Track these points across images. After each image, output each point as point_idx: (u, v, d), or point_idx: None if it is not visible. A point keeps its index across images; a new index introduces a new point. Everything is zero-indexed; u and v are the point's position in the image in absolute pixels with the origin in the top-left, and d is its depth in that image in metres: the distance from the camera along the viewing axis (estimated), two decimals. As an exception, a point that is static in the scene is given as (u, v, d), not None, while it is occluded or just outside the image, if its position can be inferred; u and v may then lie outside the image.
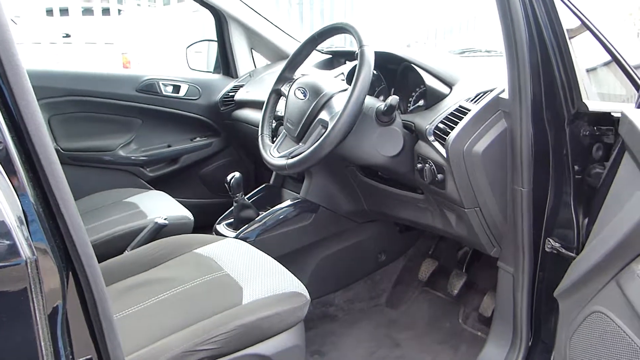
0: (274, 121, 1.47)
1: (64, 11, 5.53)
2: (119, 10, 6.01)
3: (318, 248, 1.73)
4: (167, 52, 5.93)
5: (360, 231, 1.80)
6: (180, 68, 2.49)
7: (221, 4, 2.16)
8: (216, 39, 2.36)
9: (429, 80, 1.32)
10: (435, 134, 1.24)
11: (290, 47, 2.31)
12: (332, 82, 1.30)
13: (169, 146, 2.25)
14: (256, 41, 2.33)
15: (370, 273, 1.87)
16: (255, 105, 2.10)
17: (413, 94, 1.44)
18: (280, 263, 1.30)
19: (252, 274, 1.25)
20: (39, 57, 5.48)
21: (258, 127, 2.02)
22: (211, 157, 2.34)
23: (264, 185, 1.85)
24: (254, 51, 2.40)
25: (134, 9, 6.17)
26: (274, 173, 1.89)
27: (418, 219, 1.49)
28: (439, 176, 1.21)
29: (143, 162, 2.20)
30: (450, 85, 1.33)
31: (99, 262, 1.54)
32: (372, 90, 1.55)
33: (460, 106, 1.23)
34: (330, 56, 2.05)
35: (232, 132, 2.30)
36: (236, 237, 1.60)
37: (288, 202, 1.68)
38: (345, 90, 1.27)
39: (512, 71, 1.10)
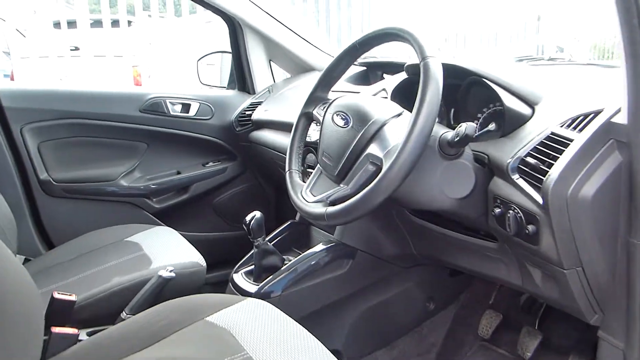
0: (310, 154, 1.19)
1: (71, 24, 5.33)
2: (129, 22, 5.80)
3: (356, 300, 1.43)
4: (180, 65, 5.71)
5: (405, 277, 1.50)
6: (193, 82, 2.23)
7: (236, 11, 1.89)
8: (230, 51, 2.09)
9: (507, 99, 1.01)
10: (521, 170, 0.94)
11: (314, 58, 2.04)
12: (381, 104, 1.00)
13: (178, 173, 1.98)
14: (275, 52, 2.05)
15: (417, 325, 1.57)
16: (275, 126, 1.82)
17: (479, 115, 1.14)
18: (312, 320, 1.08)
19: (281, 355, 0.96)
20: (45, 72, 5.28)
21: (280, 153, 1.77)
22: (226, 184, 2.06)
23: (289, 222, 1.55)
24: (273, 63, 2.12)
25: (145, 20, 5.96)
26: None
27: (486, 270, 1.19)
28: (530, 228, 0.90)
29: (148, 192, 1.92)
30: (531, 105, 1.03)
31: (89, 326, 1.27)
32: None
33: (553, 133, 0.93)
34: (365, 68, 1.76)
35: (250, 156, 2.02)
36: (259, 291, 1.31)
37: (320, 247, 1.38)
38: (400, 115, 0.97)
39: (636, 87, 0.80)
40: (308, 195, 1.03)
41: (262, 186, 2.12)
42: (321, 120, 1.08)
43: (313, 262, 1.36)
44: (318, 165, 1.08)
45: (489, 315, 1.48)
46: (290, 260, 1.43)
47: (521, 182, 0.93)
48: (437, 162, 0.96)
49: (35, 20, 5.73)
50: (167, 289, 1.31)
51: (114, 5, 5.68)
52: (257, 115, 1.92)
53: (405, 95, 1.25)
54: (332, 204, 0.98)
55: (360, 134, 0.95)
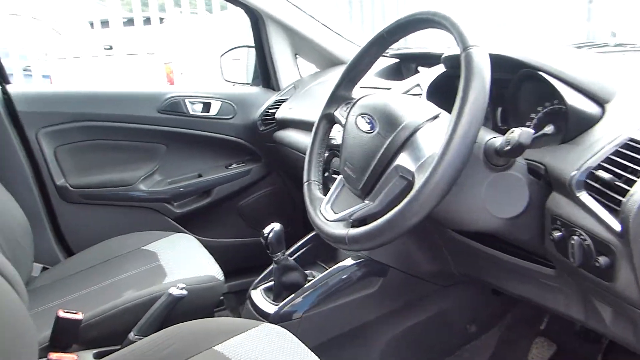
0: (325, 154, 1.03)
1: (104, 23, 5.34)
2: (161, 19, 5.77)
3: (387, 323, 1.28)
4: (212, 62, 5.63)
5: (443, 297, 1.34)
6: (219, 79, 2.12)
7: (257, 2, 1.75)
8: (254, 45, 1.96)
9: (570, 96, 0.84)
10: (589, 186, 0.76)
11: (344, 50, 1.88)
12: (413, 105, 0.84)
13: (200, 176, 1.87)
14: (301, 45, 1.91)
15: (457, 350, 1.40)
16: (300, 125, 1.68)
17: (532, 115, 0.96)
18: (337, 346, 0.97)
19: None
20: (80, 71, 5.30)
21: (305, 155, 1.62)
22: (250, 186, 1.94)
23: (313, 233, 1.41)
24: (299, 57, 1.98)
25: (176, 17, 5.92)
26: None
27: (541, 300, 1.01)
28: (602, 260, 0.72)
29: (169, 196, 1.82)
30: (601, 104, 0.84)
31: (96, 346, 1.17)
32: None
33: (632, 140, 0.74)
34: (397, 61, 1.59)
35: (275, 156, 1.90)
36: (278, 313, 1.18)
37: (347, 262, 1.23)
38: (437, 117, 0.81)
39: None
40: (328, 212, 0.88)
41: (287, 189, 1.99)
42: (344, 123, 0.93)
43: (339, 280, 1.21)
44: (340, 176, 0.93)
45: (541, 344, 1.30)
46: (313, 277, 1.29)
47: (590, 202, 0.75)
48: (482, 175, 0.80)
49: (72, 20, 5.77)
50: (179, 307, 1.20)
51: (146, 3, 5.66)
52: (281, 113, 1.78)
53: (443, 93, 1.08)
54: (356, 223, 0.83)
55: (388, 141, 0.79)
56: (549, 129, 0.91)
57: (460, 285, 1.33)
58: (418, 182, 0.70)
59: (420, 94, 1.13)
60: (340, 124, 0.96)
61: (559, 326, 1.35)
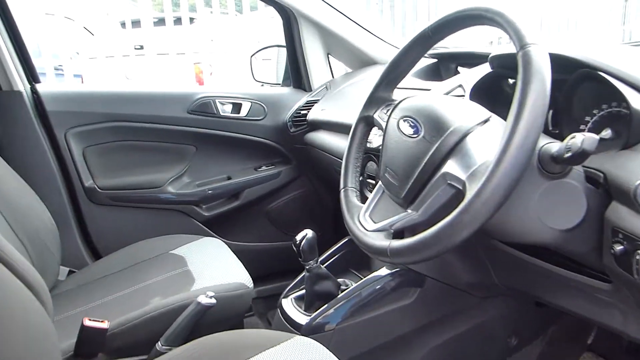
0: (370, 162, 0.98)
1: (135, 23, 5.40)
2: (191, 19, 5.79)
3: (424, 335, 1.22)
4: (242, 62, 5.63)
5: (483, 309, 1.26)
6: (249, 79, 2.09)
7: (290, 0, 1.71)
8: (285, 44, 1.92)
9: (635, 99, 0.76)
10: None
11: (377, 50, 1.82)
12: (462, 107, 0.78)
13: (229, 178, 1.84)
14: (334, 44, 1.85)
15: (497, 364, 1.33)
16: (333, 127, 1.63)
17: (587, 118, 0.89)
18: (373, 359, 0.90)
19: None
20: (112, 71, 5.37)
21: (337, 158, 1.57)
22: (280, 189, 1.90)
23: (346, 239, 1.36)
24: (331, 57, 1.93)
25: (207, 17, 5.94)
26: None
27: (594, 315, 0.93)
28: None
29: (198, 199, 1.79)
30: None
31: (122, 356, 1.14)
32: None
33: None
34: (435, 60, 1.52)
35: (305, 159, 1.85)
36: (310, 324, 1.13)
37: (382, 272, 1.17)
38: (487, 121, 0.75)
39: None
40: (367, 222, 0.82)
41: (318, 192, 1.94)
42: (384, 127, 0.87)
43: (373, 290, 1.15)
44: (379, 182, 0.87)
45: (589, 359, 1.22)
46: (347, 286, 1.24)
47: None
48: (536, 183, 0.73)
49: (104, 20, 5.85)
50: (208, 315, 1.17)
51: (177, 3, 5.69)
52: (313, 115, 1.74)
53: (489, 94, 1.02)
54: (397, 234, 0.77)
55: (434, 147, 0.73)
56: (606, 133, 0.83)
57: (500, 296, 1.26)
58: (470, 193, 0.64)
59: (463, 96, 1.06)
60: (380, 127, 0.90)
61: (608, 341, 1.26)
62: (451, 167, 0.71)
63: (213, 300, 1.15)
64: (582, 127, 0.89)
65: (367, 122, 0.96)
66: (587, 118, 0.88)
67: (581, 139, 0.64)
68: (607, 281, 0.85)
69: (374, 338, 1.16)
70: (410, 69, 0.92)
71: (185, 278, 1.34)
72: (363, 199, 0.91)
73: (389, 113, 0.87)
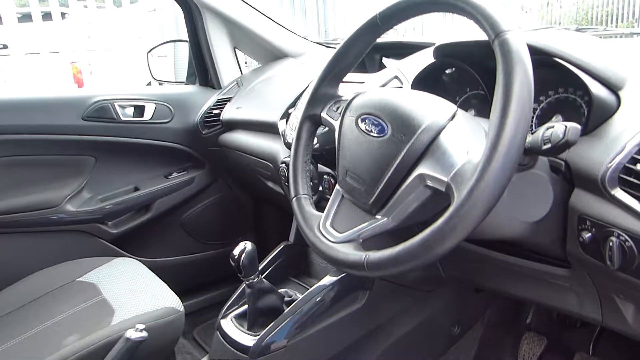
0: (311, 164, 0.89)
1: (-5, 19, 4.77)
2: (63, 14, 5.26)
3: (377, 338, 1.17)
4: (125, 58, 5.23)
5: (428, 303, 1.25)
6: (143, 76, 1.90)
7: (192, -9, 1.57)
8: (187, 39, 1.76)
9: (593, 85, 0.76)
10: (624, 181, 0.69)
11: (287, 42, 1.74)
12: (429, 102, 0.71)
13: (137, 189, 1.66)
14: (241, 38, 1.74)
15: (443, 354, 1.32)
16: (251, 126, 1.53)
17: (534, 105, 0.88)
18: None
19: None
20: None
21: (258, 158, 1.46)
22: (195, 196, 1.76)
23: (282, 246, 1.27)
24: (238, 51, 1.81)
25: (80, 11, 5.42)
26: (294, 224, 1.31)
27: (549, 300, 0.94)
28: None
29: (102, 215, 1.59)
30: (615, 91, 0.77)
31: None
32: (453, 100, 0.99)
33: None
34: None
35: (221, 162, 1.72)
36: (259, 345, 1.03)
37: (328, 279, 1.10)
38: (455, 115, 0.70)
39: None
40: (330, 233, 0.74)
41: (237, 196, 1.82)
42: (337, 127, 0.79)
43: (322, 299, 1.08)
44: (337, 187, 0.79)
45: (530, 338, 1.26)
46: (290, 297, 1.15)
47: (627, 199, 0.68)
48: None
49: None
50: (139, 350, 1.02)
51: (44, -4, 5.13)
52: (228, 114, 1.61)
53: (427, 85, 0.98)
54: (367, 244, 0.70)
55: (407, 147, 0.66)
56: (557, 119, 0.83)
57: (444, 288, 1.26)
58: (459, 195, 0.58)
59: (400, 87, 1.02)
60: (330, 126, 0.82)
61: (545, 318, 1.31)
62: (428, 167, 0.65)
63: (144, 334, 1.01)
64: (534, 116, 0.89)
65: (313, 121, 0.87)
66: (535, 105, 0.88)
67: (562, 129, 0.62)
68: (564, 267, 0.85)
69: (330, 348, 1.09)
70: (357, 61, 0.85)
71: (103, 309, 1.17)
72: (317, 207, 0.82)
73: (340, 111, 0.80)
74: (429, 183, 0.65)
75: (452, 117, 0.69)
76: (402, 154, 0.67)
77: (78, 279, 1.31)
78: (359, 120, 0.75)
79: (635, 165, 0.68)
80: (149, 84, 2.88)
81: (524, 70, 0.59)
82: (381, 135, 0.70)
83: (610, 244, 0.69)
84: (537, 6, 9.62)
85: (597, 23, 8.30)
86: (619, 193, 0.69)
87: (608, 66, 0.78)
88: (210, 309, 1.77)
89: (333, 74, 0.86)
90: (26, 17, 4.99)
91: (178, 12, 1.68)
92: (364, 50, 0.84)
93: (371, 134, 0.72)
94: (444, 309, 1.28)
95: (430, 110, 0.69)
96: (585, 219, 0.73)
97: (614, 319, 0.85)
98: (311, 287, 1.09)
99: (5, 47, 4.86)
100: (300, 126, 0.87)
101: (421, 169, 0.66)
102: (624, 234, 0.68)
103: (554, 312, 1.29)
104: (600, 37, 1.07)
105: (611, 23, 8.07)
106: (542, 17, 9.62)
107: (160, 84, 2.04)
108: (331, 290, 1.09)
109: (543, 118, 0.87)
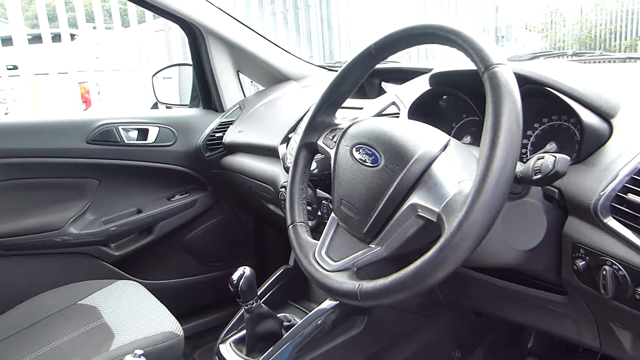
0: (308, 189, 0.90)
1: (6, 40, 4.85)
2: (72, 35, 5.35)
3: (375, 364, 1.17)
4: (133, 80, 5.30)
5: (428, 327, 1.25)
6: (150, 97, 1.93)
7: (196, 16, 1.60)
8: (191, 63, 1.79)
9: (584, 113, 0.76)
10: (617, 210, 0.69)
11: (290, 66, 1.76)
12: (421, 132, 0.72)
13: (139, 211, 1.67)
14: (244, 62, 1.77)
15: (444, 380, 1.31)
16: (252, 149, 1.54)
17: (529, 132, 0.89)
18: None
19: None
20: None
21: (259, 181, 1.47)
22: (197, 218, 1.77)
23: (281, 270, 1.27)
24: (241, 74, 1.84)
25: (89, 32, 5.51)
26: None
27: (547, 327, 0.94)
28: None
29: (105, 238, 1.60)
30: (607, 119, 0.78)
31: None
32: (450, 126, 1.00)
33: None
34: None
35: (223, 184, 1.74)
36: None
37: (328, 303, 1.10)
38: (447, 145, 0.71)
39: None
40: (325, 261, 0.75)
41: (239, 219, 1.83)
42: (333, 156, 0.80)
43: (321, 324, 1.08)
44: (332, 215, 0.80)
45: (532, 364, 1.25)
46: (289, 322, 1.15)
47: (620, 228, 0.68)
48: None
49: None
50: (137, 376, 1.02)
51: (54, 19, 5.21)
52: (230, 137, 1.63)
53: (424, 112, 0.99)
54: (361, 273, 0.71)
55: (399, 177, 0.67)
56: (551, 147, 0.84)
57: (444, 313, 1.25)
58: (450, 226, 0.59)
59: (398, 113, 1.03)
60: (327, 154, 0.83)
61: (547, 343, 1.30)
62: (420, 197, 0.66)
63: (143, 359, 1.01)
64: (524, 141, 0.89)
65: (309, 150, 0.88)
66: (529, 132, 0.89)
67: (552, 160, 0.62)
68: (561, 293, 0.85)
69: (325, 376, 1.09)
70: (352, 89, 0.86)
71: (102, 333, 1.17)
72: (316, 232, 0.83)
73: (336, 139, 0.81)
74: (421, 213, 0.65)
75: (445, 147, 0.70)
76: (395, 184, 0.68)
77: (79, 302, 1.31)
78: (354, 149, 0.76)
79: (627, 194, 0.69)
80: (155, 104, 2.92)
81: (513, 102, 0.59)
82: (375, 165, 0.71)
83: (604, 272, 0.69)
84: (540, 24, 9.67)
85: (600, 41, 8.32)
86: (612, 222, 0.69)
87: (600, 94, 0.79)
88: (211, 332, 1.77)
89: (329, 102, 0.87)
90: (36, 39, 5.07)
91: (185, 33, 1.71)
92: (360, 79, 0.85)
93: (365, 163, 0.73)
94: (444, 333, 1.27)
95: (423, 140, 0.70)
96: (579, 247, 0.73)
97: (612, 346, 0.84)
98: (310, 311, 1.09)
99: (15, 67, 4.94)
100: (297, 154, 0.88)
101: (413, 199, 0.67)
102: (617, 263, 0.68)
103: (555, 337, 1.27)
104: (596, 62, 1.08)
105: (615, 41, 8.09)
106: (545, 36, 9.66)
107: (167, 107, 2.07)
108: (331, 315, 1.09)
109: (538, 145, 0.87)
